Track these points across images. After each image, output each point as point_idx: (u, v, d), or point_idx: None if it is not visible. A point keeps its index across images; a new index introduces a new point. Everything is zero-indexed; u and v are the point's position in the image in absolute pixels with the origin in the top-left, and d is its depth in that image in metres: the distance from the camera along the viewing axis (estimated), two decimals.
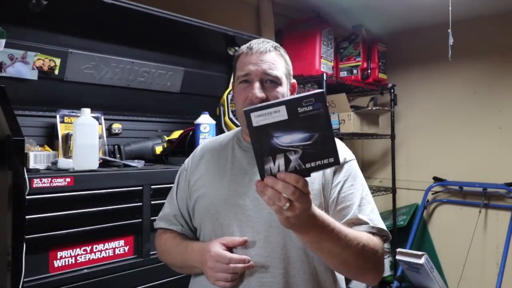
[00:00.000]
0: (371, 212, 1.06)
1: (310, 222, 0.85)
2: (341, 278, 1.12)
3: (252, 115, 0.79)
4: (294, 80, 1.17)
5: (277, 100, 0.81)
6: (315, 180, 1.06)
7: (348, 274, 1.05)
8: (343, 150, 1.14)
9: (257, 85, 1.06)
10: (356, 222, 1.03)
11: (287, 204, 0.79)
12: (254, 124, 0.79)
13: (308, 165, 0.80)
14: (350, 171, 1.10)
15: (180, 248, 1.14)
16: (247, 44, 1.13)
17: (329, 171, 1.08)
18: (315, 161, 0.80)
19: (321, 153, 0.80)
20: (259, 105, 0.80)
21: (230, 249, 1.04)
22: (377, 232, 1.03)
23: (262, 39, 1.16)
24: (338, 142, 1.13)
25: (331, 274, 1.08)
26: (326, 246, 0.92)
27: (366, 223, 1.03)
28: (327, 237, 0.90)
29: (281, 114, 0.79)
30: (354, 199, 1.06)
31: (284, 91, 1.10)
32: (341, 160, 1.09)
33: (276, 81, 1.08)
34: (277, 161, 0.79)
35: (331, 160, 0.81)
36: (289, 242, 1.03)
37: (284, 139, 0.79)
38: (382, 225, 1.06)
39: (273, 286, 1.02)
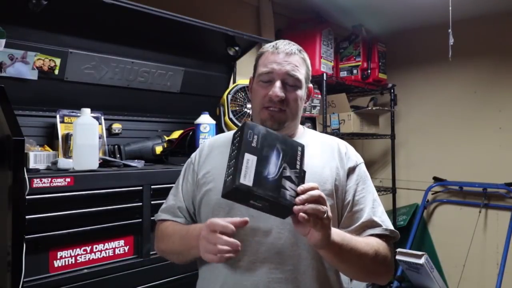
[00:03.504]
0: (382, 214, 1.11)
1: (330, 237, 0.91)
2: (344, 276, 1.14)
3: (241, 184, 0.82)
4: (311, 85, 1.20)
5: (235, 155, 0.86)
6: (327, 180, 1.08)
7: (364, 279, 1.12)
8: (354, 153, 1.18)
9: (278, 84, 1.08)
10: (370, 225, 1.08)
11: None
12: (249, 184, 0.83)
13: (298, 166, 0.90)
14: (362, 174, 1.15)
15: (181, 230, 1.12)
16: (273, 43, 1.15)
17: (342, 173, 1.11)
18: (296, 159, 0.91)
19: (293, 151, 0.91)
20: (231, 169, 0.85)
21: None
22: (389, 234, 1.08)
23: (287, 40, 1.18)
24: (346, 144, 1.20)
25: (335, 272, 1.10)
26: (344, 257, 0.97)
27: (380, 225, 1.08)
28: (344, 249, 0.95)
29: (251, 159, 0.85)
30: (366, 202, 1.10)
31: (302, 95, 1.13)
32: (353, 163, 1.15)
33: (297, 84, 1.11)
34: (287, 186, 0.86)
35: (300, 147, 0.93)
36: (300, 238, 1.04)
37: (271, 169, 0.86)
38: (392, 226, 1.10)
39: (282, 282, 1.02)
